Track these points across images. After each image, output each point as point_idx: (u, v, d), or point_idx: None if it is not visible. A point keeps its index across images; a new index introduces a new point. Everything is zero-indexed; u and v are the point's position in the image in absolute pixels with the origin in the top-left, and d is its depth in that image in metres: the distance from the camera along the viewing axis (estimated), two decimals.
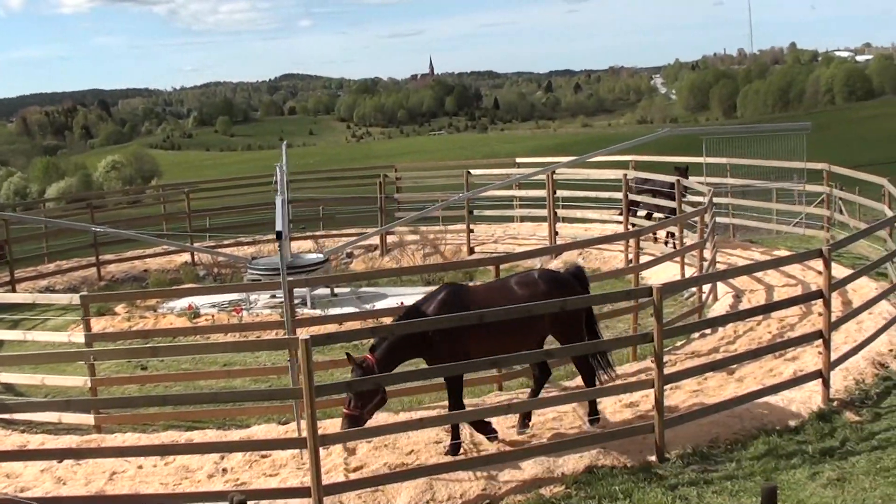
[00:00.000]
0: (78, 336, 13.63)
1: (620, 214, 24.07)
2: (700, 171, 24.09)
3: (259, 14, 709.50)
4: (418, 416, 11.98)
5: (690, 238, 20.15)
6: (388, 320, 12.92)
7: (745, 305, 17.37)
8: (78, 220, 26.65)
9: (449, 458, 10.96)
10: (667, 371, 11.24)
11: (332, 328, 15.27)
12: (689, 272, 19.03)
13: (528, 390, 13.09)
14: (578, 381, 14.01)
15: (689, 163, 25.12)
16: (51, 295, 21.17)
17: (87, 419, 13.25)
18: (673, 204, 20.97)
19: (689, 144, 23.59)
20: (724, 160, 24.42)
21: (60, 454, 11.73)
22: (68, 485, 11.29)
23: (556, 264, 23.67)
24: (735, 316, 15.10)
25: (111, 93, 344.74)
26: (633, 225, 23.13)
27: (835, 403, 12.07)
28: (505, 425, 12.07)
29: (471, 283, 13.26)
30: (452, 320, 10.65)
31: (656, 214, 23.04)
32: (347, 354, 10.84)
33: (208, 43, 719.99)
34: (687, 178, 22.14)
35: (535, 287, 11.63)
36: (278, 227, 12.22)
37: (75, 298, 13.78)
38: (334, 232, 28.56)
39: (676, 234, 21.22)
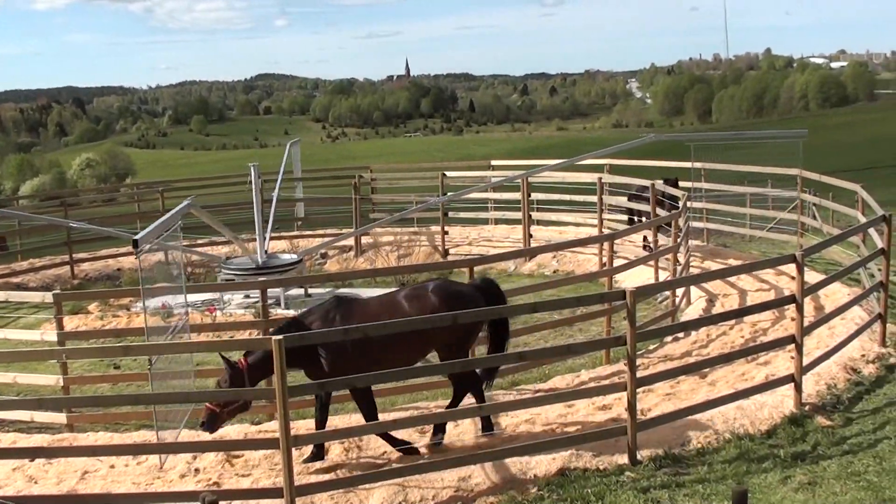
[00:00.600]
0: (50, 334, 13.56)
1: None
2: (686, 176, 24.06)
3: (235, 13, 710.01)
4: (392, 417, 11.98)
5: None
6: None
7: (718, 309, 17.43)
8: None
9: (422, 460, 10.95)
10: (640, 374, 11.26)
11: None
12: (663, 276, 19.11)
13: (502, 392, 13.13)
14: (552, 383, 14.09)
15: (671, 167, 25.17)
16: (23, 293, 21.03)
17: (60, 418, 13.18)
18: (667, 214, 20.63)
19: (669, 149, 23.54)
20: (700, 165, 24.38)
21: (32, 453, 11.65)
22: (40, 483, 11.23)
23: (529, 267, 23.80)
24: (708, 320, 15.17)
25: (86, 90, 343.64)
26: (609, 228, 23.19)
27: (807, 408, 12.12)
28: (478, 426, 12.10)
29: (365, 296, 13.00)
30: (331, 335, 10.49)
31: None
32: (221, 355, 10.76)
33: (184, 41, 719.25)
34: (677, 188, 21.86)
35: (425, 301, 11.39)
36: (137, 236, 11.65)
37: (48, 296, 13.73)
38: (308, 232, 28.50)
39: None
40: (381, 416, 12.43)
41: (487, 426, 11.84)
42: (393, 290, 12.69)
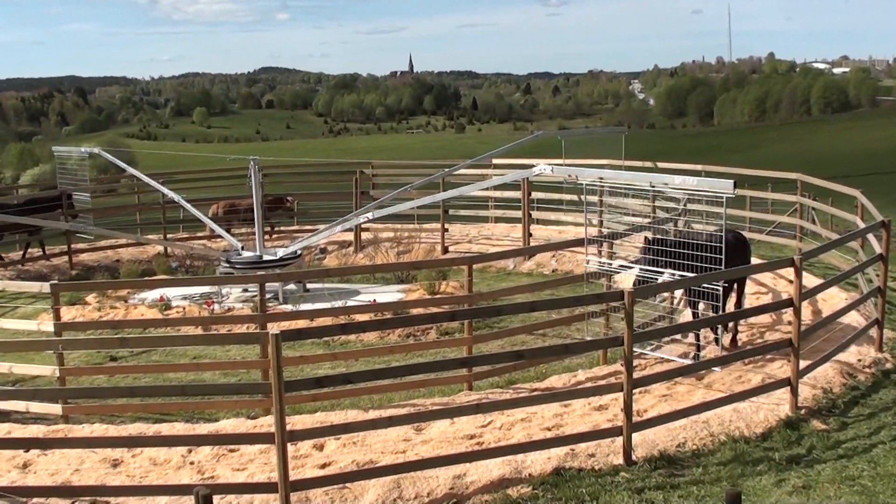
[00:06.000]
0: (47, 325, 13.55)
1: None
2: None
3: (238, 6, 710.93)
4: (387, 414, 11.98)
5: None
6: (360, 317, 12.88)
7: None
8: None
9: (417, 457, 10.95)
10: (636, 375, 11.28)
11: (302, 324, 15.29)
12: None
13: (499, 390, 13.15)
14: (549, 382, 14.08)
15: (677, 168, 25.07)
16: (21, 282, 21.02)
17: (55, 409, 13.15)
18: None
19: (667, 150, 23.44)
20: (701, 167, 24.26)
21: (27, 443, 11.66)
22: (35, 474, 11.23)
23: (528, 266, 23.80)
24: (705, 322, 15.16)
25: (88, 80, 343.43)
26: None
27: (802, 412, 12.14)
28: (474, 424, 12.10)
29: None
30: None
31: None
32: None
33: (187, 33, 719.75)
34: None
35: None
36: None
37: (46, 287, 13.70)
38: (308, 227, 28.44)
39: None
40: (377, 413, 12.45)
41: None
42: None
